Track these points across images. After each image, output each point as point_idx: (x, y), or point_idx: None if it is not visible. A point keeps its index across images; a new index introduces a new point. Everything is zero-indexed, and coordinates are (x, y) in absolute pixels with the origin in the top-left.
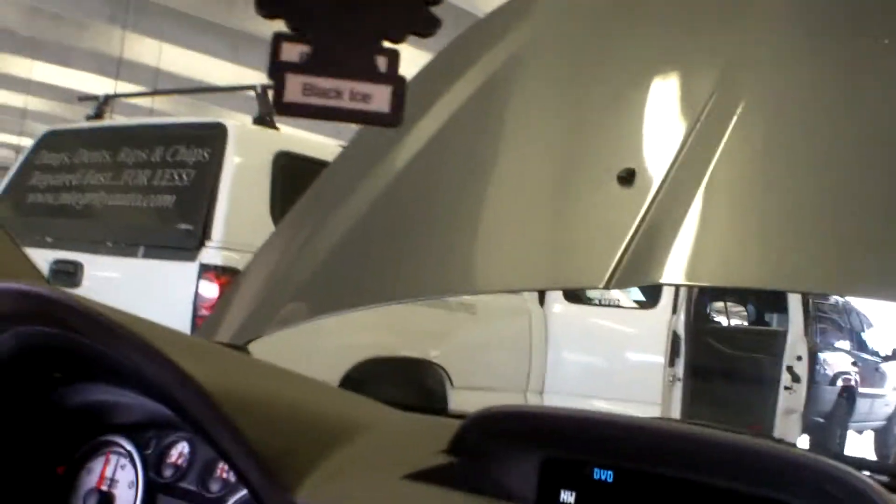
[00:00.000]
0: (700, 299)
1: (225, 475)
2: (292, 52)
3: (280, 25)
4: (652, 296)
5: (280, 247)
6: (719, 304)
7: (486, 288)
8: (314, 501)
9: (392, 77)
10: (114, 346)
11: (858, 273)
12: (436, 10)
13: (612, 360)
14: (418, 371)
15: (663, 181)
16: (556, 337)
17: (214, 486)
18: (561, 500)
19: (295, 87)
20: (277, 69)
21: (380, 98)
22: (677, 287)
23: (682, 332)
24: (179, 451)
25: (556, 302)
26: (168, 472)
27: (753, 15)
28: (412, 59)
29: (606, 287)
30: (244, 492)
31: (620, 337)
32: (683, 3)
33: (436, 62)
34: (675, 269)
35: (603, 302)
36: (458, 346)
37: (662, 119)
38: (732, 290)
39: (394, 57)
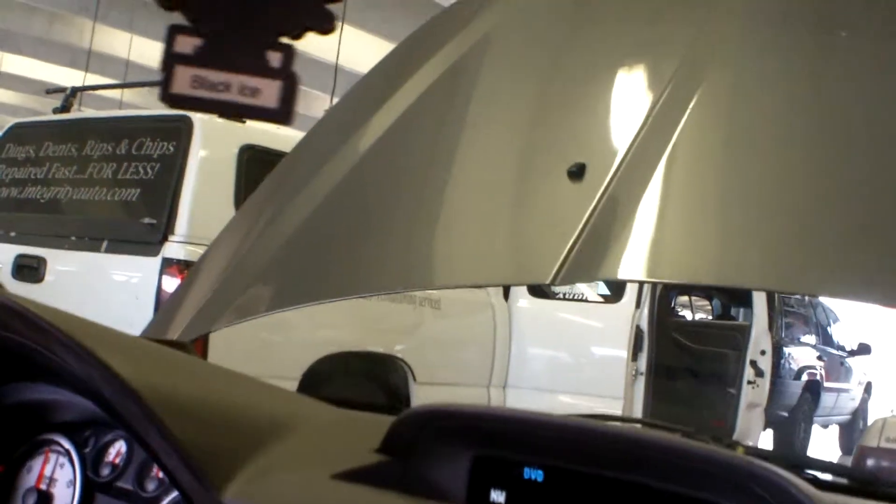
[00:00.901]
0: (665, 294)
1: (161, 475)
2: (186, 44)
3: (179, 18)
4: (616, 290)
5: (234, 239)
6: (684, 299)
7: (434, 283)
8: (242, 500)
9: (284, 73)
10: (43, 343)
11: (812, 270)
12: (334, 8)
13: (575, 355)
14: (382, 366)
15: (613, 176)
16: (521, 331)
17: (150, 486)
18: (491, 499)
19: (183, 79)
20: (168, 60)
21: (268, 93)
22: (629, 283)
23: (645, 326)
24: (117, 450)
25: (521, 297)
26: (105, 472)
27: (710, 7)
28: (379, 49)
29: (553, 283)
30: None
31: (584, 331)
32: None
33: (395, 53)
34: (622, 265)
35: (567, 296)
36: (422, 341)
37: (616, 113)
38: (696, 285)
39: (288, 53)
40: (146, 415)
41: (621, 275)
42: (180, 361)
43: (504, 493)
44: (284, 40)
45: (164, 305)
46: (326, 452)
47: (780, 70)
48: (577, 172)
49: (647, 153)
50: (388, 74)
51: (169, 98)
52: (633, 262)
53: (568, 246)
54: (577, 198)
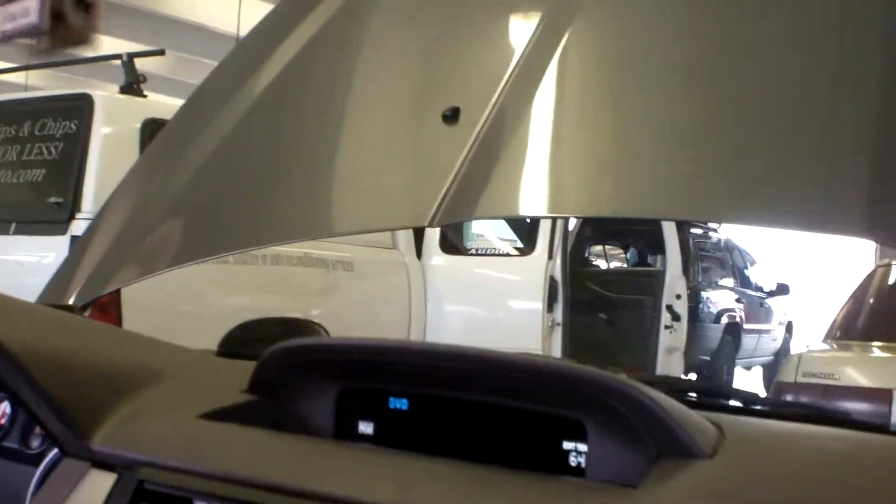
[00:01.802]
0: (578, 244)
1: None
2: None
3: None
4: (529, 242)
5: (127, 198)
6: (598, 249)
7: (327, 232)
8: (111, 444)
9: None
10: None
11: (693, 197)
12: None
13: (491, 309)
14: (298, 331)
15: (487, 117)
16: (436, 289)
17: (34, 443)
18: (360, 430)
19: None
20: None
21: (30, 12)
22: (538, 224)
23: (559, 277)
24: (2, 410)
25: (434, 254)
26: None
27: None
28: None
29: (430, 225)
30: None
31: (499, 285)
32: None
33: (282, 5)
34: (498, 202)
35: (481, 251)
36: (338, 304)
37: (488, 55)
38: (611, 234)
39: None
40: (16, 368)
41: (496, 212)
42: (56, 318)
43: (371, 424)
44: None
45: (59, 270)
46: (196, 396)
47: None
48: (451, 116)
49: (520, 92)
50: (274, 26)
51: None
52: (509, 198)
53: (445, 188)
54: (452, 141)
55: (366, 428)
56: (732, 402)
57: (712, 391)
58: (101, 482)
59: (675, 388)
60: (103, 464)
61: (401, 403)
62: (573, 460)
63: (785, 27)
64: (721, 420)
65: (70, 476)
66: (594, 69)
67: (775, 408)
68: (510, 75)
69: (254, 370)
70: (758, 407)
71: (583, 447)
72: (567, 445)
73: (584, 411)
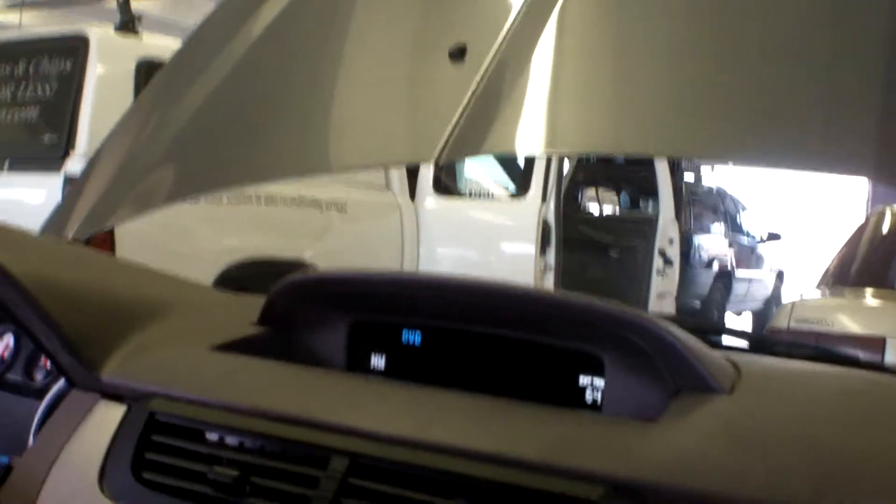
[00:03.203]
0: (571, 187)
1: (48, 365)
2: None
3: None
4: (522, 185)
5: (128, 133)
6: (591, 193)
7: (328, 168)
8: (120, 376)
9: None
10: None
11: (700, 134)
12: None
13: (483, 252)
14: (291, 271)
15: (495, 54)
16: (429, 231)
17: (39, 376)
18: (371, 363)
19: None
20: None
21: None
22: (532, 167)
23: (552, 221)
24: (5, 343)
25: (427, 196)
26: None
27: None
28: None
29: (436, 161)
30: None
31: (492, 228)
32: None
33: None
34: (504, 138)
35: (474, 194)
36: (331, 245)
37: None
38: (604, 178)
39: None
40: (26, 300)
41: (503, 148)
42: (65, 252)
43: (384, 357)
44: None
45: (59, 204)
46: (206, 329)
47: None
48: (457, 53)
49: (528, 29)
50: None
51: None
52: (516, 134)
53: (451, 124)
54: (459, 77)
55: (378, 361)
56: (742, 342)
57: (723, 331)
58: (110, 414)
59: (689, 326)
60: (113, 395)
61: (413, 336)
62: (590, 395)
63: None
64: (735, 358)
65: (78, 408)
66: (599, 8)
67: (788, 348)
68: (517, 13)
69: (265, 302)
70: (766, 347)
71: (600, 381)
72: (584, 380)
73: (601, 345)
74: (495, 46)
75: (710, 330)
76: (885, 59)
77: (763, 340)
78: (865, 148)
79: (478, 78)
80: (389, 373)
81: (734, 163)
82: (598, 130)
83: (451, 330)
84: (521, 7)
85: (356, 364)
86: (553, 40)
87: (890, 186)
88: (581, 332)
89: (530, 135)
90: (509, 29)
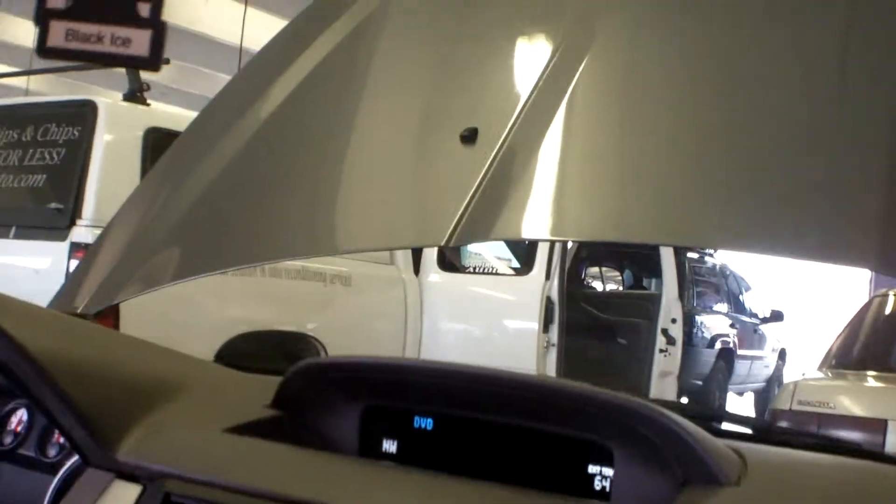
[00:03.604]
0: (575, 265)
1: (61, 440)
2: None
3: None
4: (526, 262)
5: (137, 209)
6: (595, 270)
7: (335, 249)
8: (136, 456)
9: (153, 22)
10: None
11: (708, 224)
12: None
13: (487, 328)
14: (294, 344)
15: (505, 139)
16: (432, 306)
17: (52, 451)
18: (384, 448)
19: (58, 33)
20: (43, 16)
21: (139, 42)
22: (536, 245)
23: (556, 297)
24: (18, 418)
25: (432, 271)
26: (8, 440)
27: None
28: (274, 24)
29: (447, 245)
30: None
31: (495, 304)
32: None
33: (294, 23)
34: (514, 224)
35: (478, 270)
36: (334, 318)
37: (507, 77)
38: (608, 255)
39: (156, 2)
40: (41, 376)
41: (512, 234)
42: (78, 327)
43: (395, 443)
44: None
45: (69, 278)
46: (219, 410)
47: (672, 28)
48: (469, 137)
49: (538, 115)
50: (288, 43)
51: (44, 52)
52: (525, 220)
53: (462, 208)
54: (470, 161)
55: (390, 446)
56: (746, 430)
57: (727, 418)
58: (126, 493)
59: (688, 413)
60: (128, 475)
61: (425, 423)
62: (598, 484)
63: (797, 59)
64: (740, 448)
65: (93, 487)
66: (608, 96)
67: (786, 437)
68: (528, 98)
69: (279, 386)
70: (769, 436)
71: (609, 471)
72: (593, 469)
73: (610, 436)
74: (506, 130)
75: (715, 417)
76: (886, 154)
77: (766, 428)
78: (867, 241)
79: (489, 162)
80: (401, 458)
81: (740, 251)
82: (605, 219)
83: (463, 417)
84: (532, 93)
85: (368, 449)
86: (562, 127)
87: (891, 276)
88: (590, 421)
89: (539, 221)
90: (519, 114)
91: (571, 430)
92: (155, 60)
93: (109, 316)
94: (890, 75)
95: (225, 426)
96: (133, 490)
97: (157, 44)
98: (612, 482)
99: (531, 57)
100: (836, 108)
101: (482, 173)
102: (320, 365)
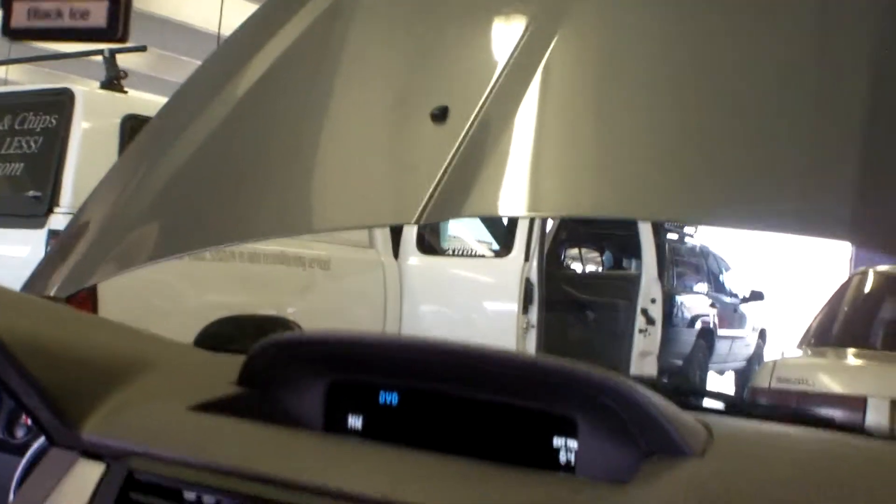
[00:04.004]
0: (554, 246)
1: (29, 422)
2: None
3: None
4: (506, 244)
5: (111, 191)
6: (574, 251)
7: (309, 228)
8: (100, 434)
9: None
10: None
11: (682, 198)
12: None
13: (466, 310)
14: (273, 328)
15: (476, 116)
16: (412, 289)
17: (19, 433)
18: (349, 424)
19: (20, 13)
20: None
21: (97, 14)
22: (515, 226)
23: (535, 279)
24: None
25: (411, 254)
26: None
27: None
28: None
29: (417, 222)
30: None
31: (475, 286)
32: None
33: (267, 4)
34: (484, 201)
35: (457, 252)
36: (313, 302)
37: (478, 55)
38: (587, 237)
39: None
40: (5, 356)
41: (484, 210)
42: (45, 309)
43: (361, 418)
44: None
45: (42, 261)
46: (185, 387)
47: (643, 3)
48: (439, 115)
49: (509, 93)
50: (259, 25)
51: (10, 33)
52: (497, 197)
53: (433, 185)
54: (441, 140)
55: (355, 421)
56: (718, 404)
57: (699, 393)
58: (90, 472)
59: (661, 388)
60: (92, 454)
61: (391, 397)
62: (564, 456)
63: (769, 31)
64: (709, 420)
65: (58, 466)
66: (580, 72)
67: (760, 410)
68: (499, 76)
69: (244, 362)
70: (743, 409)
71: (573, 443)
72: (557, 442)
73: (575, 408)
74: (477, 108)
75: (688, 392)
76: (862, 127)
77: (740, 402)
78: (843, 212)
79: (459, 140)
80: (367, 433)
81: (715, 225)
82: (579, 193)
83: (428, 391)
84: (503, 71)
85: (333, 424)
86: (535, 102)
87: (867, 250)
88: (555, 394)
89: (512, 197)
90: (491, 91)
91: (536, 403)
92: (113, 31)
93: (87, 303)
94: (864, 47)
95: (191, 404)
96: (97, 468)
97: (115, 14)
98: (576, 454)
99: (502, 35)
100: (811, 81)
101: (453, 151)
102: (285, 341)
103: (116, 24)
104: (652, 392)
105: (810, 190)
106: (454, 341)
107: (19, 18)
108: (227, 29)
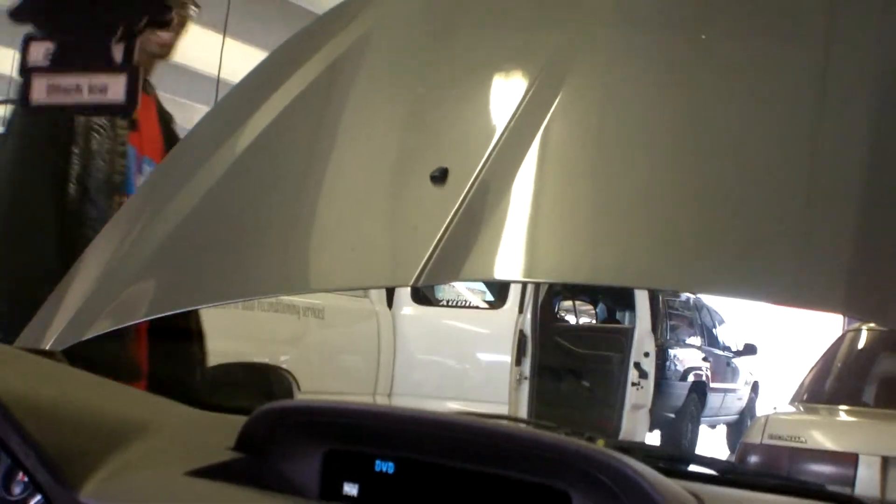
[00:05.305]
0: (548, 299)
1: (25, 479)
2: (40, 52)
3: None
4: (500, 295)
5: (109, 245)
6: (568, 304)
7: (307, 288)
8: (98, 498)
9: (126, 65)
10: None
11: (678, 268)
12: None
13: (460, 361)
14: (266, 376)
15: (475, 179)
16: (406, 339)
17: (16, 490)
18: (344, 492)
19: (40, 88)
20: (25, 71)
21: (115, 88)
22: (509, 284)
23: (529, 331)
24: None
25: (405, 304)
26: None
27: (574, 12)
28: (253, 55)
29: (415, 285)
30: None
31: (469, 337)
32: (508, 3)
33: (270, 59)
34: (483, 265)
35: (452, 303)
36: (306, 350)
37: (479, 118)
38: (581, 289)
39: (129, 45)
40: (4, 417)
41: (481, 275)
42: (42, 367)
43: (357, 486)
44: (126, 33)
45: (38, 314)
46: (183, 451)
47: (643, 71)
48: (439, 177)
49: (509, 157)
50: (262, 80)
51: (31, 110)
52: (494, 261)
53: (430, 248)
54: (440, 202)
55: (351, 489)
56: (708, 471)
57: (690, 459)
58: None
59: (651, 455)
60: None
61: (387, 466)
62: None
63: (767, 105)
64: (698, 490)
65: None
66: (579, 138)
67: (750, 478)
68: (499, 139)
69: (241, 429)
70: (732, 477)
71: None
72: None
73: (568, 481)
74: (476, 171)
75: (678, 458)
76: (857, 201)
77: (731, 469)
78: (837, 286)
79: (458, 203)
80: (362, 501)
81: (710, 294)
82: (575, 260)
83: (424, 462)
84: (503, 135)
85: (329, 492)
86: (534, 166)
87: (860, 321)
88: (549, 467)
89: (509, 262)
90: (490, 156)
91: (531, 476)
92: (132, 105)
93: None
94: (862, 125)
95: (187, 468)
96: None
97: (132, 88)
98: None
99: (503, 98)
100: (808, 155)
101: (451, 214)
102: (283, 408)
103: (134, 98)
104: (643, 465)
105: (803, 262)
106: (450, 414)
107: (39, 94)
108: (227, 72)
